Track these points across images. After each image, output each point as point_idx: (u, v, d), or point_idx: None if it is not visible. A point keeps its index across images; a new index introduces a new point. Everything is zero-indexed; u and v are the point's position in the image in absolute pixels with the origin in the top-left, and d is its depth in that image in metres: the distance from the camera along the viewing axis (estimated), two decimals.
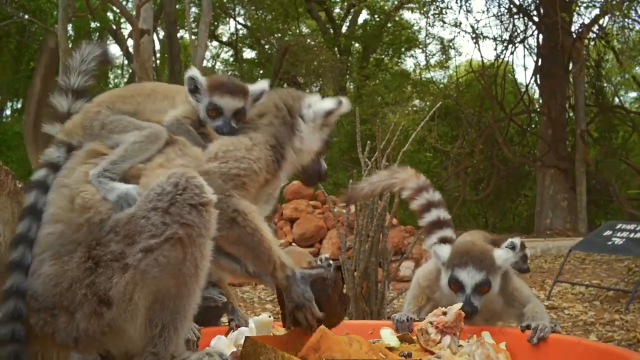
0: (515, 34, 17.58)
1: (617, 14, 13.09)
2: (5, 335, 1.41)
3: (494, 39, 17.87)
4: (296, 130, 1.82)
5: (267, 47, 21.18)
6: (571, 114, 16.99)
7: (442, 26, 28.25)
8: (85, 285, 1.44)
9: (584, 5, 16.28)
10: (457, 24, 18.76)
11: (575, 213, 15.32)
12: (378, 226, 3.96)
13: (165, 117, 1.73)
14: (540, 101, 17.92)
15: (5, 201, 2.15)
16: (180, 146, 1.67)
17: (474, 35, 17.39)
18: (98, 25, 19.43)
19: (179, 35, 20.42)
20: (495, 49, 21.53)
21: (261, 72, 22.99)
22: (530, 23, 17.35)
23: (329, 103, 1.84)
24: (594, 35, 16.60)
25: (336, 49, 20.21)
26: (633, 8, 13.46)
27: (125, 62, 22.16)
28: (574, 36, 15.52)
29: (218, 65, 25.23)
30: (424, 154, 19.22)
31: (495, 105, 16.76)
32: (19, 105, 20.70)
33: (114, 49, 20.75)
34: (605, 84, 19.39)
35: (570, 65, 15.97)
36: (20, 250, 1.50)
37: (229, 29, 23.22)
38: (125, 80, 22.74)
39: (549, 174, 15.75)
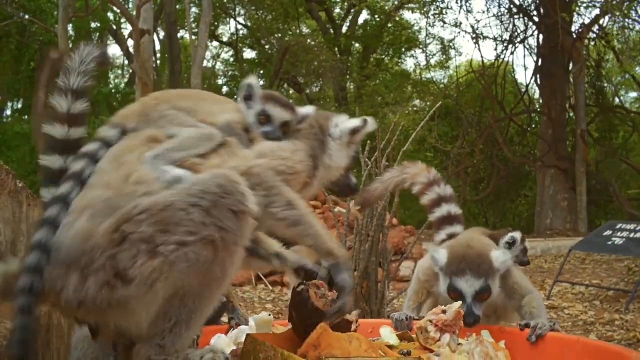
0: (515, 34, 17.60)
1: (617, 13, 13.10)
2: (24, 286, 1.42)
3: (494, 39, 17.90)
4: (326, 147, 1.95)
5: (267, 47, 21.19)
6: (571, 114, 17.00)
7: (442, 26, 28.28)
8: (107, 256, 1.44)
9: (584, 5, 16.29)
10: (457, 24, 18.79)
11: (575, 213, 15.33)
12: (378, 226, 3.97)
13: (217, 119, 1.81)
14: (540, 101, 17.93)
15: (6, 200, 2.16)
16: (232, 148, 1.75)
17: (474, 35, 17.42)
18: (98, 25, 19.46)
19: (179, 35, 20.44)
20: (495, 49, 21.59)
21: (261, 72, 23.01)
22: (530, 23, 17.36)
23: (354, 122, 1.98)
24: (594, 35, 16.61)
25: (336, 49, 20.22)
26: (633, 8, 13.48)
27: (126, 62, 22.20)
28: (574, 36, 15.52)
29: (218, 65, 25.27)
30: (424, 154, 19.20)
31: (495, 105, 16.77)
32: (19, 105, 20.73)
33: (114, 49, 20.80)
34: (605, 84, 19.39)
35: (570, 65, 15.97)
36: (56, 209, 1.52)
37: (229, 29, 23.27)
38: (126, 80, 22.77)
39: (549, 174, 15.75)
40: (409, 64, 24.56)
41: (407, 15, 22.69)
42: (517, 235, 2.86)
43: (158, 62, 21.85)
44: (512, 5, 17.47)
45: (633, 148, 19.71)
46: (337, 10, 22.63)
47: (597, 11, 15.62)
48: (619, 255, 8.59)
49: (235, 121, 1.85)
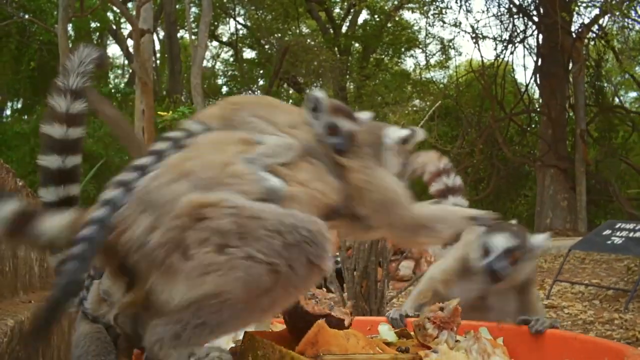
0: (515, 34, 17.61)
1: (617, 13, 13.11)
2: (88, 235, 1.43)
3: (494, 39, 17.92)
4: (382, 158, 1.98)
5: (267, 47, 21.22)
6: (571, 114, 17.02)
7: (442, 26, 28.22)
8: (182, 224, 1.45)
9: (584, 5, 16.31)
10: (457, 24, 18.83)
11: (575, 213, 15.33)
12: None
13: (295, 131, 1.84)
14: (540, 101, 17.94)
15: None
16: (320, 171, 1.77)
17: (473, 35, 17.44)
18: (98, 25, 19.48)
19: (179, 35, 20.47)
20: (495, 49, 21.54)
21: (261, 72, 23.01)
22: (530, 23, 17.38)
23: (404, 132, 2.02)
24: (594, 35, 16.63)
25: (336, 49, 20.23)
26: (633, 8, 13.49)
27: (126, 62, 22.22)
28: (574, 36, 15.54)
29: (218, 65, 25.29)
30: None
31: (495, 105, 16.79)
32: (19, 105, 20.75)
33: (114, 49, 20.83)
34: (605, 84, 19.40)
35: (570, 65, 15.99)
36: (120, 192, 1.52)
37: (229, 29, 23.30)
38: (126, 80, 22.79)
39: (549, 174, 15.76)
40: (408, 64, 24.59)
41: (407, 15, 22.74)
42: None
43: (158, 62, 21.89)
44: (512, 5, 17.49)
45: (633, 148, 19.71)
46: (337, 10, 22.66)
47: (597, 11, 15.66)
48: (619, 255, 8.60)
49: (312, 139, 1.88)
